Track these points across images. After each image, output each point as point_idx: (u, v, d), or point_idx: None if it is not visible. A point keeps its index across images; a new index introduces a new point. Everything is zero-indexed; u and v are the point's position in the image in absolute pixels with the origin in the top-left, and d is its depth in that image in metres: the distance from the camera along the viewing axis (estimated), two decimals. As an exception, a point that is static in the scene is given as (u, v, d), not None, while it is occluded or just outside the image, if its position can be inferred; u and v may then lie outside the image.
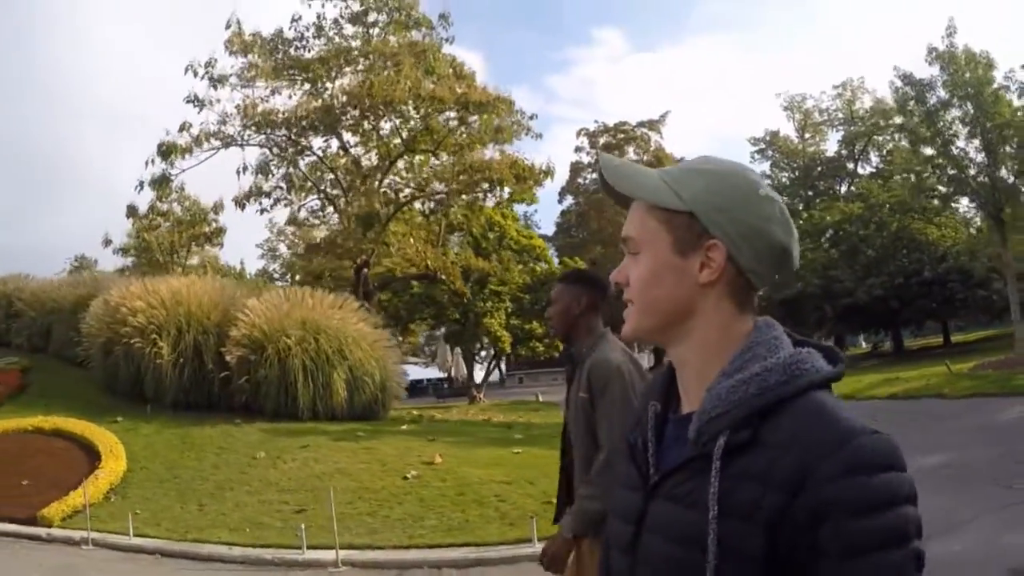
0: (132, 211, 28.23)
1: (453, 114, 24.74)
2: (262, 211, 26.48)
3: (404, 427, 17.50)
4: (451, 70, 25.53)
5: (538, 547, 6.86)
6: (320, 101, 24.51)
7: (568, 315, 3.45)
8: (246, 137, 24.63)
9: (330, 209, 28.37)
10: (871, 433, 1.03)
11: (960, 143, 31.93)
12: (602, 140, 48.42)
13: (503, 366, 47.97)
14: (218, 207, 28.80)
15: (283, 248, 46.58)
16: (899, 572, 0.99)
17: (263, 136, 24.42)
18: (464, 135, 24.95)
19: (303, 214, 29.53)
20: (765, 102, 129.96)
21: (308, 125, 24.35)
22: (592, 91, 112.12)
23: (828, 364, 1.13)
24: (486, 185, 25.42)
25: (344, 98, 24.18)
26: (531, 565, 5.92)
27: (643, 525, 1.16)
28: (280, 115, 23.97)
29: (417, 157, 27.22)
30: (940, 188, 34.93)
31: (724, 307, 1.15)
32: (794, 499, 1.00)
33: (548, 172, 25.99)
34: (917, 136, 32.32)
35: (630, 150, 49.00)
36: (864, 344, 61.82)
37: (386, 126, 25.75)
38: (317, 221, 30.26)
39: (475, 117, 24.52)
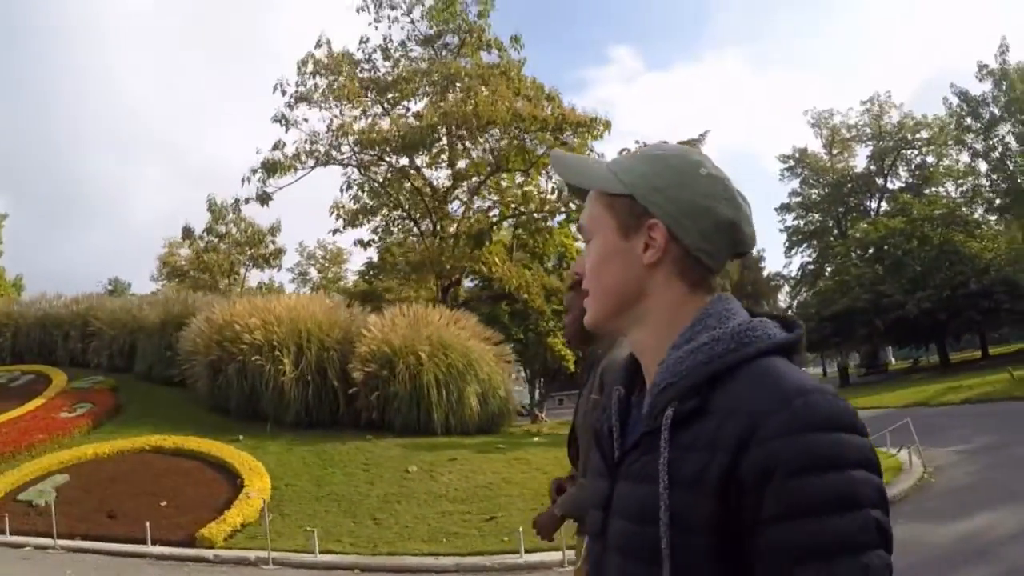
0: (187, 233, 27.49)
1: (546, 134, 24.25)
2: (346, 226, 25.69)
3: (536, 439, 16.97)
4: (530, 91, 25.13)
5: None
6: (412, 121, 23.92)
7: (582, 322, 3.15)
8: (341, 157, 24.01)
9: (410, 228, 27.64)
10: (820, 393, 0.98)
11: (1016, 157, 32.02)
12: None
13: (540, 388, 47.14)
14: (275, 229, 28.08)
15: (313, 272, 45.92)
16: (847, 539, 0.91)
17: (360, 155, 23.75)
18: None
19: (367, 235, 28.68)
20: (784, 117, 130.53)
21: (402, 145, 23.65)
22: (610, 110, 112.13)
23: (784, 332, 1.09)
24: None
25: (437, 118, 23.56)
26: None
27: (610, 510, 1.12)
28: (375, 135, 23.31)
29: (503, 177, 26.90)
30: (995, 200, 34.89)
31: (674, 286, 1.13)
32: (739, 461, 0.95)
33: None
34: (975, 151, 32.36)
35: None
36: (893, 359, 61.58)
37: (476, 146, 25.25)
38: (377, 239, 29.31)
39: (570, 136, 24.04)
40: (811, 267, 55.37)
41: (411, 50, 26.63)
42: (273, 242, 29.09)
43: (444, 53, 26.42)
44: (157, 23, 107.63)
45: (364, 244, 27.95)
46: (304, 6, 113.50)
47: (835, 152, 54.60)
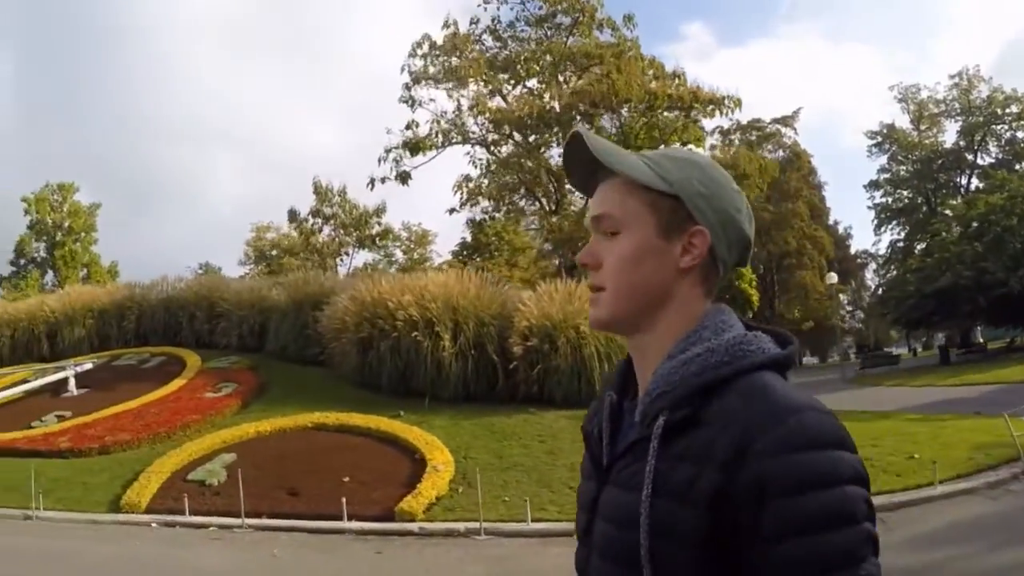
0: (293, 216, 27.07)
1: (674, 112, 23.43)
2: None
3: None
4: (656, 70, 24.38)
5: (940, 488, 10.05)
6: (541, 100, 23.17)
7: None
8: (473, 136, 23.37)
9: (530, 206, 26.95)
10: (812, 411, 0.99)
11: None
12: (736, 138, 46.40)
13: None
14: (380, 211, 27.52)
15: (399, 253, 45.62)
16: (847, 553, 0.93)
17: (490, 134, 23.13)
18: (687, 132, 23.49)
19: (479, 215, 28.01)
20: (862, 91, 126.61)
21: (539, 123, 22.92)
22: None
23: (777, 347, 1.10)
24: None
25: (570, 97, 22.77)
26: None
27: (596, 512, 1.13)
28: (510, 113, 22.61)
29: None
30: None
31: (696, 293, 1.14)
32: (731, 477, 0.96)
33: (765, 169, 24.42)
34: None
35: (767, 148, 47.22)
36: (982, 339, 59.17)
37: (606, 125, 24.44)
38: (487, 218, 28.64)
39: (699, 114, 23.33)
40: (900, 244, 53.36)
41: (520, 30, 25.94)
42: (379, 223, 28.59)
43: (554, 33, 25.73)
44: (231, 15, 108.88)
45: (477, 223, 27.13)
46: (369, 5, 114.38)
47: (923, 128, 52.55)
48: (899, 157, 52.84)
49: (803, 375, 48.18)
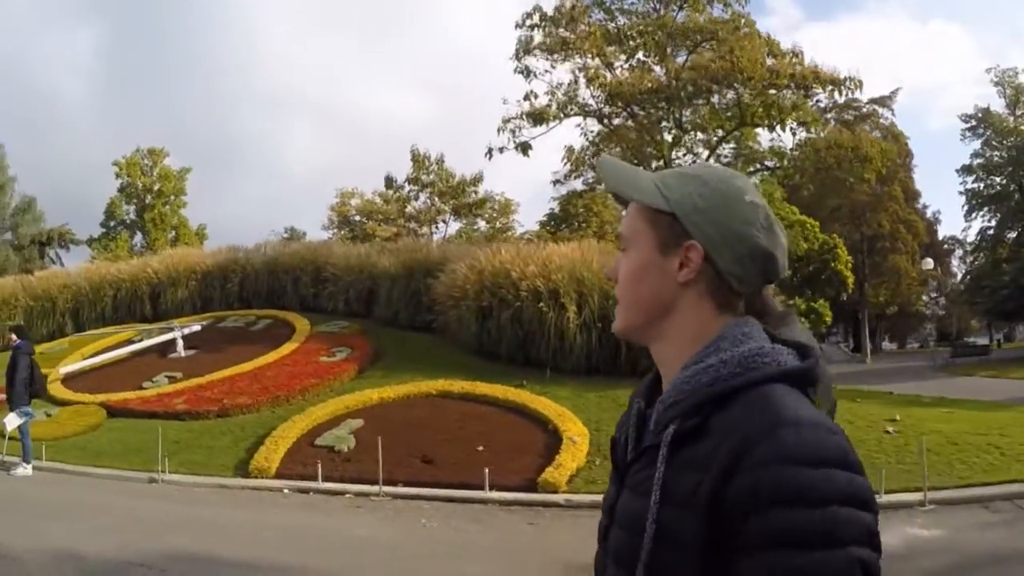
0: (389, 182, 26.65)
1: (793, 91, 22.65)
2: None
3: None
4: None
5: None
6: (652, 74, 22.37)
7: None
8: (590, 108, 22.71)
9: None
10: (814, 426, 0.99)
11: None
12: (831, 116, 44.59)
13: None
14: (477, 179, 26.94)
15: (481, 223, 45.26)
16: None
17: (606, 107, 22.46)
18: (802, 111, 22.57)
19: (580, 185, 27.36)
20: (950, 70, 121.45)
21: (651, 98, 22.20)
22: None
23: (797, 361, 1.10)
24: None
25: (687, 72, 21.92)
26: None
27: (614, 516, 1.16)
28: (630, 86, 21.87)
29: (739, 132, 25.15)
30: None
31: (703, 306, 1.15)
32: (727, 485, 0.97)
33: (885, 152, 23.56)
34: None
35: (865, 127, 45.26)
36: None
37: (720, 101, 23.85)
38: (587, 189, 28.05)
39: (820, 94, 22.64)
40: (991, 232, 50.85)
41: (629, 3, 25.39)
42: (475, 192, 28.02)
43: (662, 6, 25.02)
44: None
45: (569, 196, 26.38)
46: None
47: (1019, 113, 49.63)
48: (993, 142, 50.13)
49: (886, 360, 46.54)
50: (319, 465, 10.62)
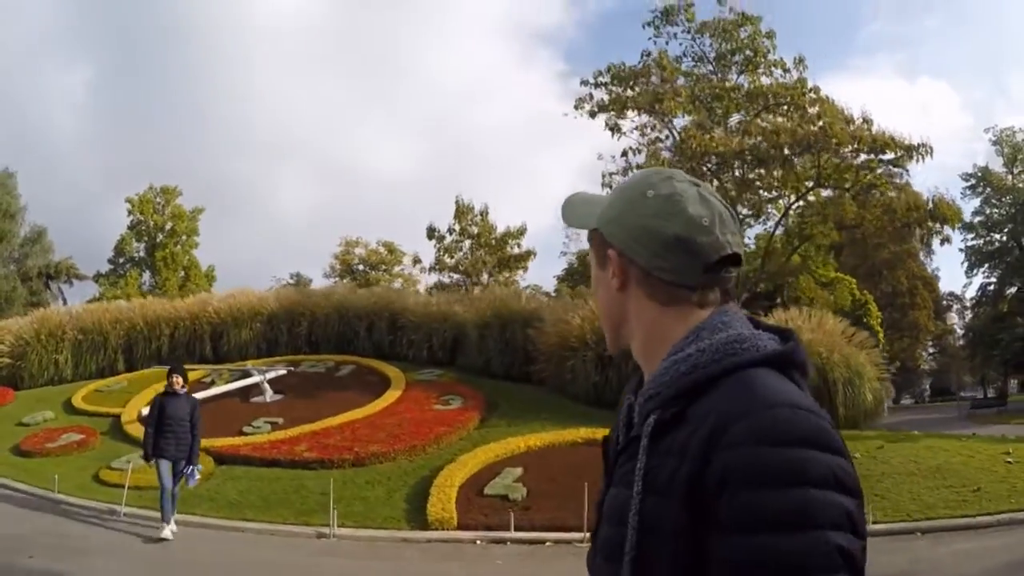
0: (432, 232, 26.50)
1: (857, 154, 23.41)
2: None
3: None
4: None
5: None
6: (747, 136, 23.02)
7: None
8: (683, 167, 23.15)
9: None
10: (791, 407, 0.97)
11: None
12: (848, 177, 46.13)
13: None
14: (520, 231, 26.98)
15: (486, 276, 45.42)
16: (794, 559, 0.89)
17: (693, 165, 22.92)
18: (873, 176, 23.52)
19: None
20: (938, 126, 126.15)
21: (752, 159, 22.84)
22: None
23: (777, 345, 1.10)
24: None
25: (774, 137, 22.56)
26: None
27: (601, 514, 1.16)
28: (722, 147, 22.35)
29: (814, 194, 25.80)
30: None
31: (647, 306, 1.17)
32: (704, 467, 0.96)
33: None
34: None
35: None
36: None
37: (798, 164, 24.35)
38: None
39: (889, 158, 23.15)
40: (991, 288, 52.67)
41: (687, 66, 26.21)
42: (518, 244, 28.05)
43: (724, 71, 26.07)
44: (295, 37, 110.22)
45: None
46: (435, 23, 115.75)
47: (1017, 171, 51.83)
48: (992, 200, 52.15)
49: (901, 414, 47.32)
50: (512, 516, 10.23)
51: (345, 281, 38.15)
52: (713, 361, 1.05)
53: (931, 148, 22.20)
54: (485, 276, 29.01)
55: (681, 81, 24.86)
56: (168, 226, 40.59)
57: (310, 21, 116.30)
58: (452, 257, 28.83)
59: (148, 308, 21.11)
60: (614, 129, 23.93)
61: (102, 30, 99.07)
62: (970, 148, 60.30)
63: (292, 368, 18.08)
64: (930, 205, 23.09)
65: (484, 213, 27.41)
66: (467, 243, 28.40)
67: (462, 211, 27.89)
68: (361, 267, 39.40)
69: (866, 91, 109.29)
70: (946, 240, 25.64)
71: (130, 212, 40.29)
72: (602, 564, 1.09)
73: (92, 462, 13.57)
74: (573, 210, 1.29)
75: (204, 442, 13.72)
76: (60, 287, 40.51)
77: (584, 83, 24.33)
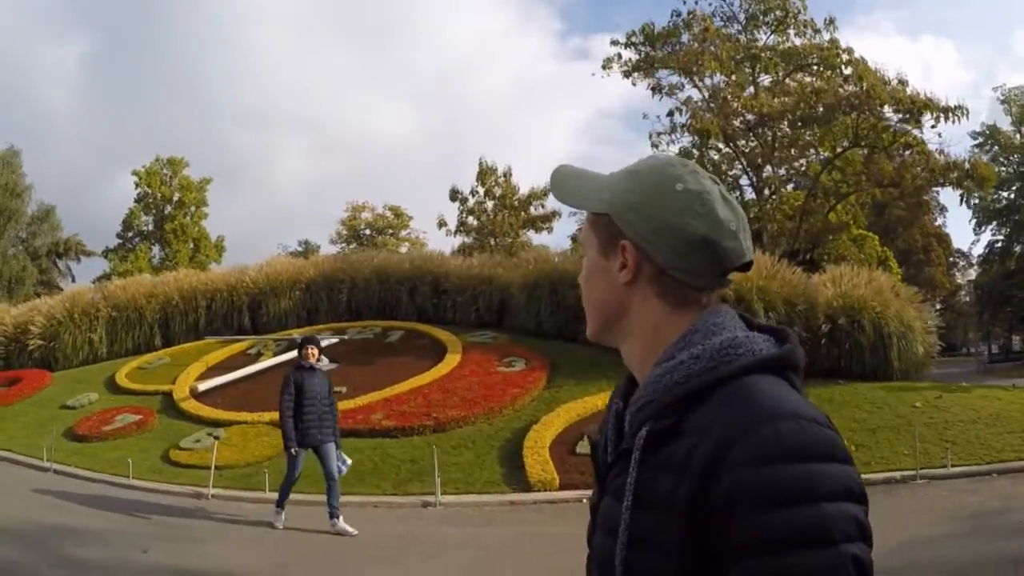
0: (455, 195, 26.35)
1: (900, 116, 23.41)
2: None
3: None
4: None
5: None
6: (782, 96, 22.85)
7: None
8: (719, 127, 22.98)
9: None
10: (793, 418, 0.94)
11: None
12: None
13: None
14: (545, 191, 26.85)
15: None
16: None
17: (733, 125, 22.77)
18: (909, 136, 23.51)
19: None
20: (942, 84, 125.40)
21: (797, 119, 22.65)
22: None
23: (775, 347, 1.06)
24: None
25: (812, 96, 22.41)
26: None
27: (596, 520, 1.14)
28: (767, 107, 22.14)
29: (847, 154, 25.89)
30: None
31: (653, 305, 1.12)
32: (708, 487, 0.93)
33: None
34: None
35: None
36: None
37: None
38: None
39: (930, 120, 23.06)
40: (999, 245, 53.08)
41: (720, 26, 25.99)
42: (542, 205, 27.92)
43: (752, 32, 25.99)
44: (293, 4, 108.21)
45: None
46: None
47: None
48: (1000, 158, 52.34)
49: None
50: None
51: (352, 246, 37.96)
52: (708, 369, 1.01)
53: (967, 110, 22.25)
54: (516, 238, 28.93)
55: (710, 41, 24.61)
56: (176, 197, 40.13)
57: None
58: (477, 219, 28.71)
59: (183, 281, 20.85)
60: (655, 90, 23.70)
61: (95, 3, 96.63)
62: (973, 107, 60.12)
63: (344, 336, 17.90)
64: (967, 165, 23.07)
65: (507, 174, 27.30)
66: (490, 204, 28.41)
67: (485, 172, 27.74)
68: (368, 232, 39.13)
69: (867, 48, 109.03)
70: (994, 200, 26.03)
71: (137, 185, 39.83)
72: (596, 572, 1.09)
73: (156, 443, 13.40)
74: (566, 186, 1.22)
75: (269, 415, 13.68)
76: (68, 264, 40.03)
77: (614, 43, 24.20)
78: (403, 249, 35.58)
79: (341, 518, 8.80)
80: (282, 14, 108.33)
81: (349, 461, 9.49)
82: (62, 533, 8.85)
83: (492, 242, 28.15)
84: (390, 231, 39.12)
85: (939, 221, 56.33)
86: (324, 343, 16.53)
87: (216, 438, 12.94)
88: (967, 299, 57.10)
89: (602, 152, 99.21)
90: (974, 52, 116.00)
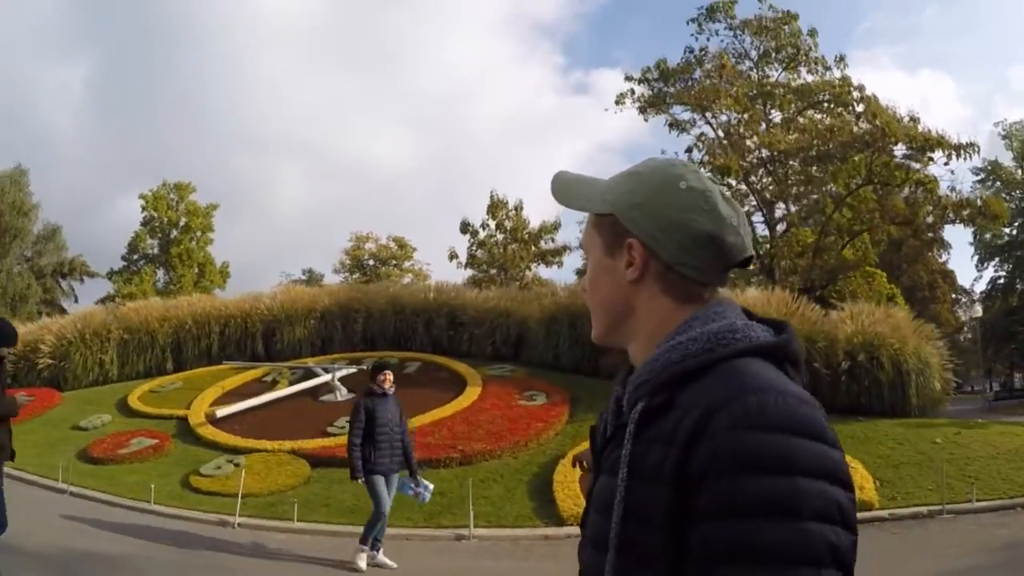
0: (465, 227, 26.47)
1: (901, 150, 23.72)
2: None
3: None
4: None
5: None
6: (795, 134, 23.13)
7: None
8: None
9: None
10: (781, 394, 0.95)
11: None
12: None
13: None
14: (555, 225, 27.03)
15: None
16: (778, 549, 0.86)
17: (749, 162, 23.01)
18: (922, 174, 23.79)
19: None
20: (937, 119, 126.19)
21: (812, 157, 22.87)
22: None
23: (770, 336, 1.08)
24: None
25: (828, 135, 22.67)
26: None
27: (591, 500, 1.15)
28: (783, 143, 22.40)
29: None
30: None
31: (661, 302, 1.14)
32: (690, 454, 0.95)
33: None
34: None
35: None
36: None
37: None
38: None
39: (941, 156, 23.40)
40: (1002, 281, 53.28)
41: (732, 63, 26.32)
42: (552, 239, 28.07)
43: (763, 69, 26.37)
44: (296, 32, 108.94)
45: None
46: (426, 19, 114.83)
47: None
48: (1003, 194, 52.66)
49: None
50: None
51: (355, 276, 37.98)
52: (705, 350, 1.04)
53: (978, 147, 22.50)
54: (527, 272, 29.04)
55: (719, 79, 24.93)
56: (183, 222, 40.11)
57: (311, 16, 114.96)
58: (489, 252, 28.80)
59: (196, 305, 20.81)
60: (672, 126, 23.96)
61: (99, 25, 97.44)
62: (950, 138, 59.94)
63: (361, 366, 17.83)
64: (979, 202, 23.34)
65: (519, 207, 27.53)
66: (500, 237, 28.54)
67: (496, 205, 27.92)
68: (371, 262, 39.19)
69: (866, 83, 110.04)
70: (996, 236, 26.24)
71: (144, 208, 39.78)
72: (592, 553, 1.09)
73: (174, 468, 13.22)
74: (567, 189, 1.25)
75: (290, 443, 13.60)
76: (71, 285, 39.90)
77: (628, 78, 24.47)
78: (405, 280, 35.65)
79: (382, 551, 8.71)
80: (290, 41, 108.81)
81: (431, 486, 9.18)
82: (92, 560, 8.74)
83: (503, 275, 28.30)
84: (393, 262, 39.14)
85: (943, 258, 56.44)
86: (340, 373, 16.61)
87: (236, 465, 12.83)
88: (969, 336, 57.17)
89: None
90: (972, 87, 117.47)
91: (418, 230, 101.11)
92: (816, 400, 0.98)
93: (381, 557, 8.66)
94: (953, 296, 60.28)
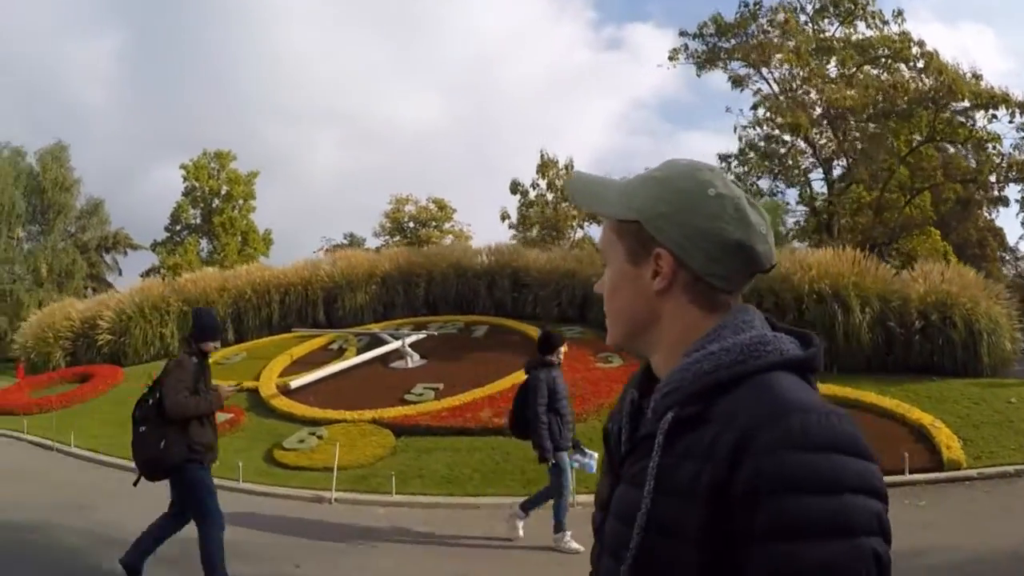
0: (515, 187, 26.23)
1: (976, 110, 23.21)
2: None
3: None
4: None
5: None
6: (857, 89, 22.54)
7: None
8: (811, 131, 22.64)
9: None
10: (820, 412, 0.96)
11: None
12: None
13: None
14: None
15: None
16: (836, 566, 0.88)
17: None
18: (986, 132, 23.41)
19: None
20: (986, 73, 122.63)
21: (879, 112, 22.33)
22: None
23: (800, 350, 1.08)
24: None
25: (893, 89, 22.07)
26: None
27: (609, 509, 1.13)
28: (849, 100, 21.85)
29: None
30: None
31: (688, 312, 1.12)
32: (732, 474, 0.94)
33: None
34: None
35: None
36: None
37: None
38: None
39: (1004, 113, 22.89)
40: None
41: (777, 16, 25.66)
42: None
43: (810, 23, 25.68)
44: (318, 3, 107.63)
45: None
46: None
47: None
48: None
49: None
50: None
51: (396, 239, 37.81)
52: (737, 362, 1.03)
53: None
54: (579, 231, 28.86)
55: (777, 33, 24.32)
56: (224, 191, 40.16)
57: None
58: (541, 211, 28.57)
59: (255, 275, 20.80)
60: (735, 82, 23.40)
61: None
62: (1014, 95, 57.92)
63: (430, 331, 17.68)
64: None
65: (568, 167, 27.13)
66: (550, 196, 28.27)
67: (546, 165, 27.60)
68: (411, 224, 38.99)
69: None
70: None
71: (185, 179, 39.85)
72: (608, 561, 1.08)
73: (254, 443, 12.97)
74: (589, 192, 1.21)
75: (371, 413, 13.45)
76: (115, 258, 40.17)
77: (683, 34, 23.96)
78: (447, 241, 35.44)
79: (569, 533, 8.03)
80: (319, 5, 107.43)
81: (596, 455, 8.35)
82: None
83: (554, 234, 28.09)
84: (434, 223, 38.89)
85: (991, 215, 55.36)
86: (410, 339, 16.47)
87: (319, 437, 12.69)
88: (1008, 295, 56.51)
89: (637, 143, 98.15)
90: (1014, 40, 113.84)
91: (454, 192, 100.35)
92: (845, 413, 0.98)
93: (569, 542, 7.99)
94: (1001, 255, 59.32)
